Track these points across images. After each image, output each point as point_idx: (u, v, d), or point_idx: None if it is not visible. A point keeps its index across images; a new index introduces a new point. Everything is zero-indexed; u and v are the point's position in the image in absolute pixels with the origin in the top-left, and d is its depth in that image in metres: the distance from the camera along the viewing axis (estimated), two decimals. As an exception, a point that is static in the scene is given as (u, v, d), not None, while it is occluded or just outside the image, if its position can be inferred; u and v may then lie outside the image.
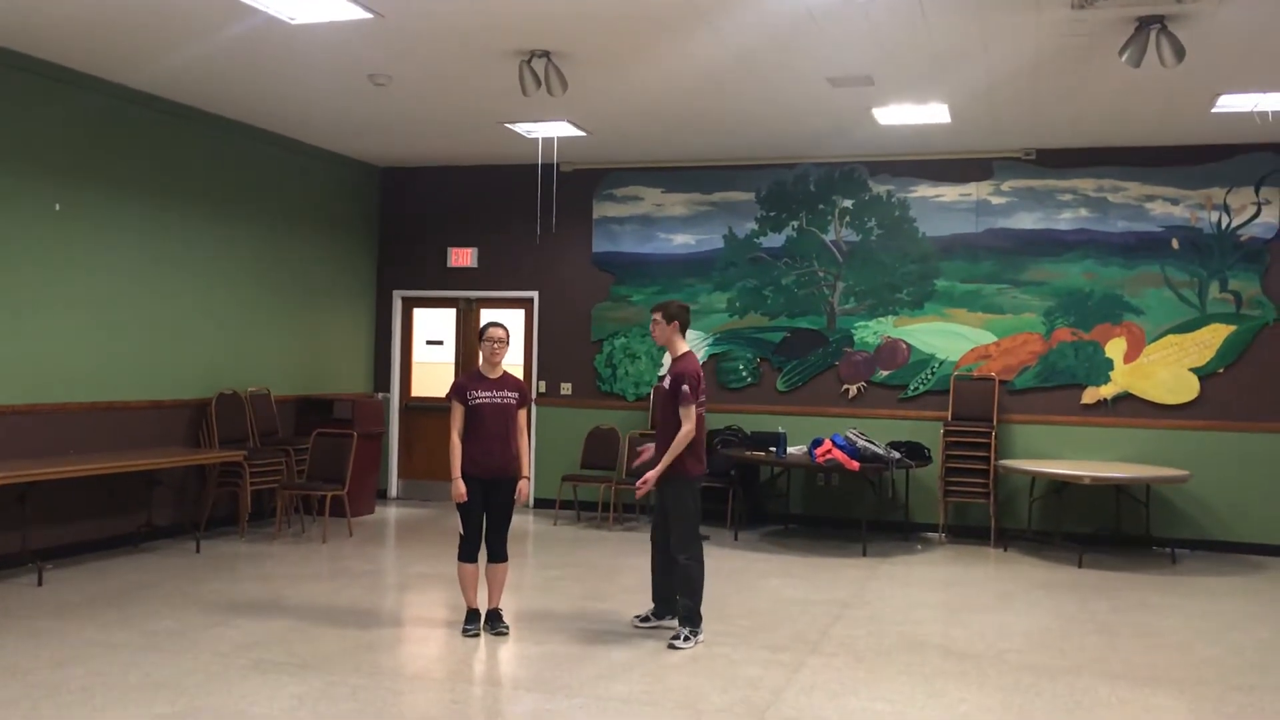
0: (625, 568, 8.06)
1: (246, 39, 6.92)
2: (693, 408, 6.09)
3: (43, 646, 5.61)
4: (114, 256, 8.26)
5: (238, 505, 9.15)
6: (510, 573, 7.99)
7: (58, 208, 7.77)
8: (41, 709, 4.68)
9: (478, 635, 6.07)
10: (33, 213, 7.59)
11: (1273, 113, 8.10)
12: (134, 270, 8.44)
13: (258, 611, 6.51)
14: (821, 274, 10.28)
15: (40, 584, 7.00)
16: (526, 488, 6.30)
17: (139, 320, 8.50)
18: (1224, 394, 9.27)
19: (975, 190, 9.91)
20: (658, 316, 6.25)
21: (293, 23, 6.53)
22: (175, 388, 8.86)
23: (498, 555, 6.25)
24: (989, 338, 9.82)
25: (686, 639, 6.05)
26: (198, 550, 8.34)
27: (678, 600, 6.17)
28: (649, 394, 10.45)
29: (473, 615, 6.17)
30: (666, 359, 6.40)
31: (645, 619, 6.37)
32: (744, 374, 10.43)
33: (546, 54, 7.05)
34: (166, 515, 8.74)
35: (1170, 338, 9.41)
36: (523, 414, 6.26)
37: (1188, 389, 9.34)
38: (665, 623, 6.34)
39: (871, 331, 10.13)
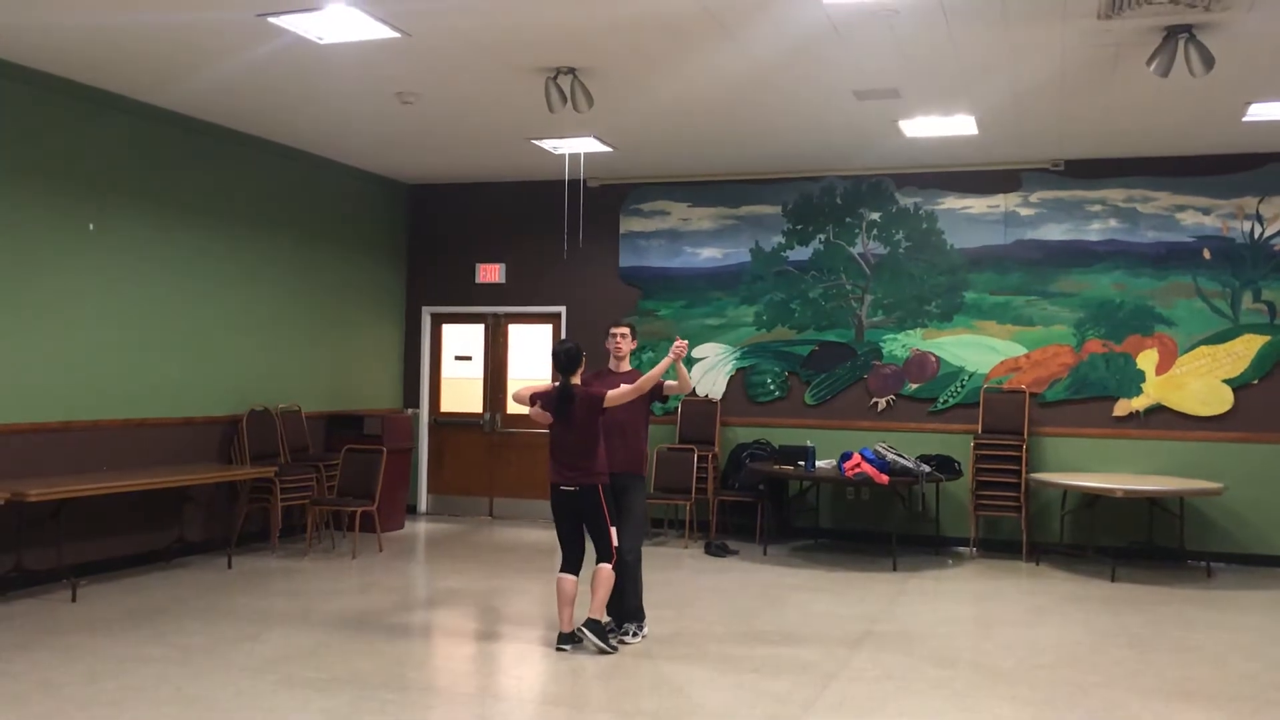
0: (652, 582, 8.02)
1: (276, 59, 7.00)
2: None
3: (76, 661, 5.67)
4: (146, 275, 8.36)
5: (269, 521, 9.21)
6: (536, 586, 8.01)
7: (91, 228, 7.88)
8: (75, 723, 4.73)
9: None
10: (67, 233, 7.70)
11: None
12: (166, 289, 8.54)
13: (288, 626, 6.54)
14: (849, 287, 10.25)
15: (74, 599, 7.08)
16: None
17: (171, 338, 8.59)
18: (1258, 405, 9.15)
19: (1003, 202, 9.86)
20: (628, 332, 6.51)
21: (321, 43, 6.60)
22: (207, 405, 8.94)
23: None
24: (1019, 350, 9.75)
25: (635, 634, 6.25)
26: (229, 566, 8.40)
27: (625, 598, 6.27)
28: (677, 407, 10.43)
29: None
30: (622, 368, 6.52)
31: (611, 630, 6.29)
32: (772, 387, 10.41)
33: (572, 70, 7.09)
34: (198, 531, 8.81)
35: (1203, 349, 9.31)
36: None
37: (1221, 400, 9.24)
38: (622, 632, 6.29)
39: (900, 344, 10.09)
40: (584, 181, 10.75)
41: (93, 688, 5.22)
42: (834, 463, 9.12)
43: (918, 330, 10.05)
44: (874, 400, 10.13)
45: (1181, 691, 5.52)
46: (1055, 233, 9.70)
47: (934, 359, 9.99)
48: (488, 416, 11.49)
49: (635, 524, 6.31)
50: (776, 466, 9.38)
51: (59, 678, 5.37)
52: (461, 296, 11.53)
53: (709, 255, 10.69)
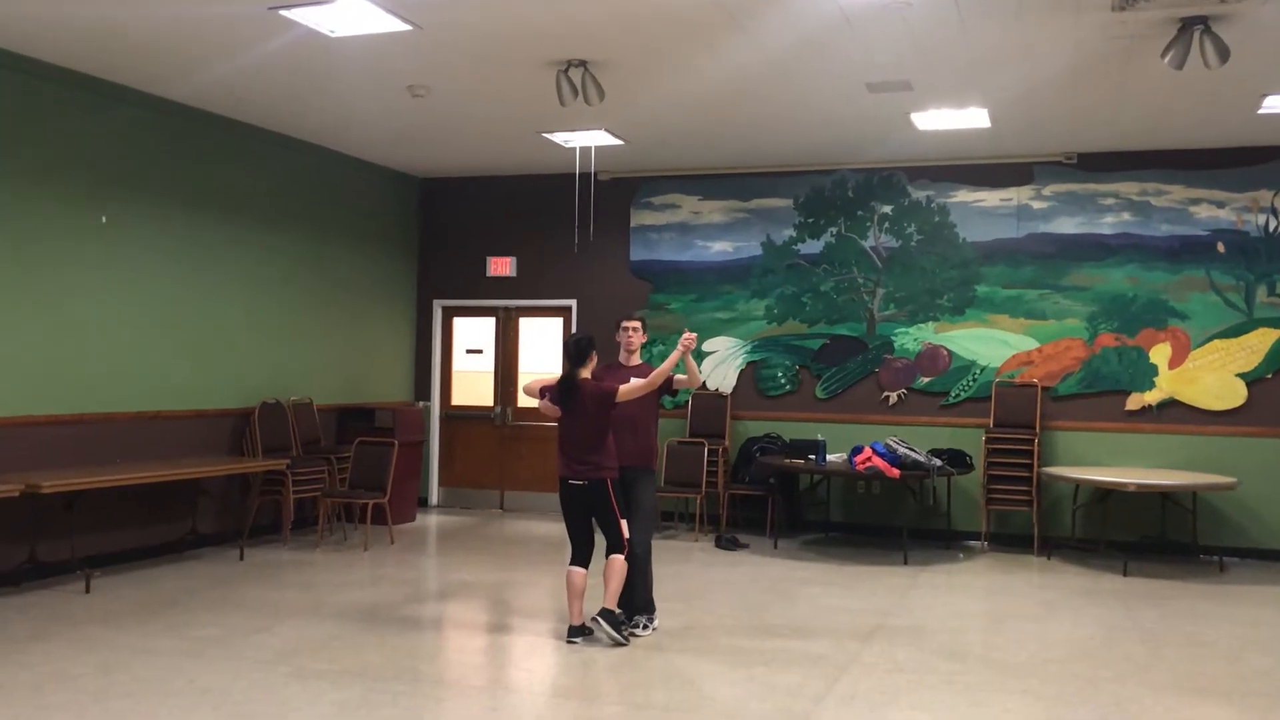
0: (662, 575, 8.03)
1: (287, 52, 7.01)
2: None
3: (90, 652, 5.70)
4: (159, 268, 8.38)
5: (281, 513, 9.25)
6: (547, 579, 8.03)
7: (104, 220, 7.90)
8: (88, 714, 4.74)
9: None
10: (79, 225, 7.72)
11: (1320, 113, 7.98)
12: (178, 281, 8.56)
13: (300, 619, 6.56)
14: (861, 280, 10.22)
15: (88, 591, 7.11)
16: None
17: (184, 331, 8.61)
18: (1272, 399, 9.11)
19: (1016, 195, 9.82)
20: (640, 326, 6.54)
21: (332, 35, 6.61)
22: (219, 397, 8.96)
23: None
24: (1031, 344, 9.72)
25: (645, 627, 6.26)
26: (241, 558, 8.43)
27: (635, 591, 6.25)
28: (687, 401, 10.43)
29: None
30: (632, 360, 6.52)
31: (622, 623, 6.26)
32: (783, 381, 10.40)
33: (583, 63, 7.07)
34: (211, 523, 8.84)
35: (1216, 343, 9.27)
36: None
37: (1235, 394, 9.20)
38: (633, 625, 6.26)
39: (912, 338, 10.06)
40: (595, 175, 10.74)
41: (106, 679, 5.24)
42: (845, 456, 9.11)
43: (929, 324, 10.02)
44: (885, 394, 10.11)
45: (1194, 687, 5.50)
46: (1068, 226, 9.66)
47: (946, 353, 9.97)
48: (499, 409, 11.50)
49: (645, 517, 6.31)
50: (787, 460, 9.37)
51: (73, 668, 5.39)
52: (472, 290, 11.53)
53: (720, 249, 10.68)
